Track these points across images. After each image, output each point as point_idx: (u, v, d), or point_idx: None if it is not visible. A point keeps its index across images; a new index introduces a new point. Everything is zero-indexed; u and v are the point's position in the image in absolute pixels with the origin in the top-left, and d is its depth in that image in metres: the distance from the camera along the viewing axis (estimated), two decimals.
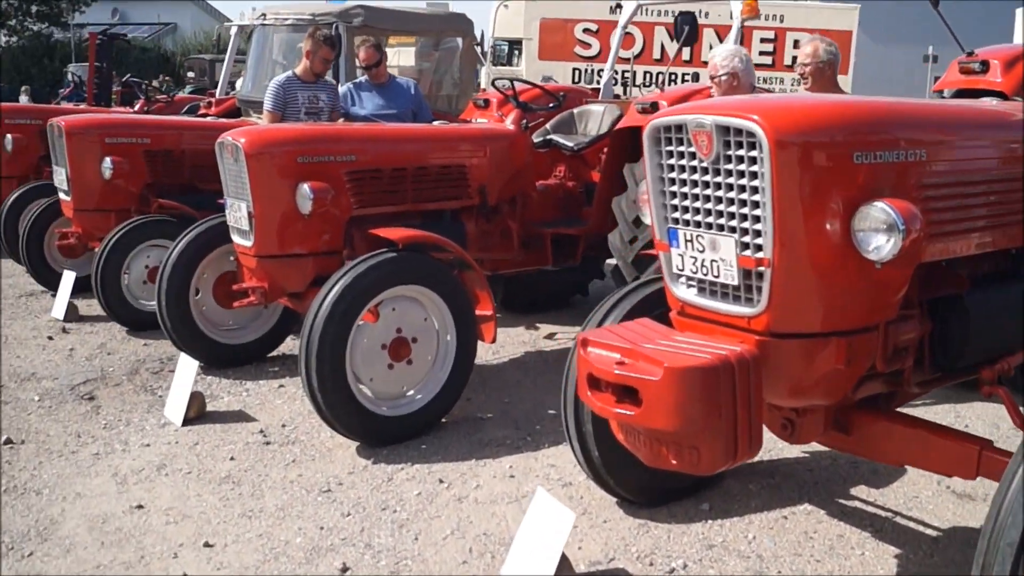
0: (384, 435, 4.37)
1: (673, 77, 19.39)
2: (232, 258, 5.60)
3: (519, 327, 6.55)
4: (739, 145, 2.53)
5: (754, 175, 2.50)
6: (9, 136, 8.59)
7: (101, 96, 10.74)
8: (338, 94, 6.67)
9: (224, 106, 9.25)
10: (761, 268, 2.52)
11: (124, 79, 11.06)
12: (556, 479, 4.02)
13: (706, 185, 2.63)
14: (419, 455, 4.29)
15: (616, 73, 8.34)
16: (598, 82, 19.45)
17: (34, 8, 41.46)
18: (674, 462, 2.54)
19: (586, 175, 6.29)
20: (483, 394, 5.11)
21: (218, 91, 10.58)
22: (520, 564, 3.05)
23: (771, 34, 20.51)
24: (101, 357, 5.80)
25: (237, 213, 4.85)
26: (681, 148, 2.70)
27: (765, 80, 21.08)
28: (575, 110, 6.47)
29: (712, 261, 2.64)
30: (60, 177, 6.79)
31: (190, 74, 30.48)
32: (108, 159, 6.52)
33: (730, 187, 2.57)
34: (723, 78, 4.73)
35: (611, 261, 6.61)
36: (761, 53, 20.34)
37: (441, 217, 5.33)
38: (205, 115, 9.17)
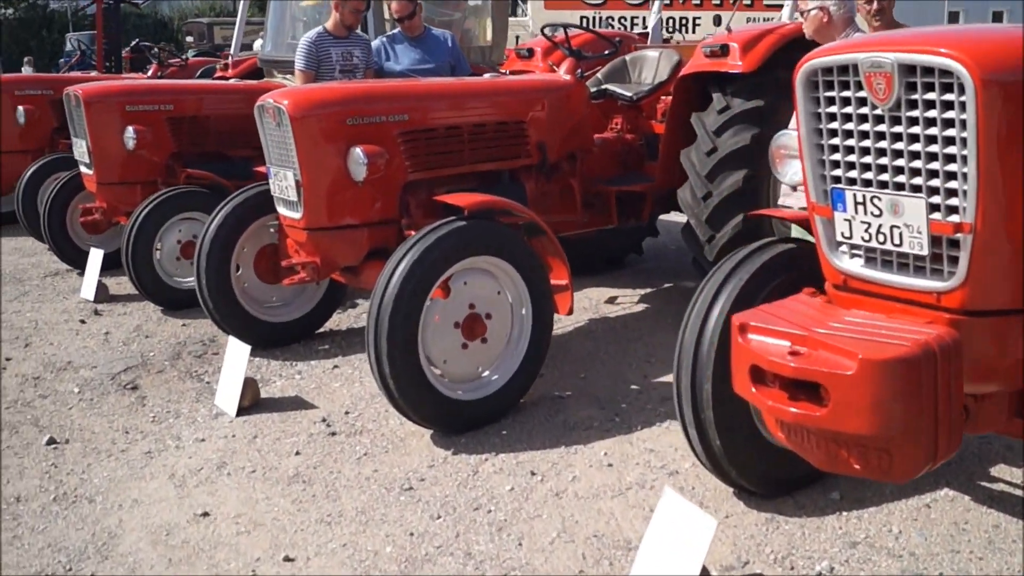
0: (462, 421, 4.00)
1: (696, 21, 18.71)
2: (272, 230, 5.22)
3: (577, 292, 6.15)
4: (928, 87, 2.10)
5: (949, 123, 2.08)
6: (20, 108, 8.14)
7: (111, 63, 10.25)
8: (371, 49, 6.22)
9: (242, 67, 8.79)
10: (959, 235, 2.11)
11: (133, 44, 10.56)
12: (659, 467, 3.64)
13: (882, 136, 2.21)
14: (502, 443, 3.92)
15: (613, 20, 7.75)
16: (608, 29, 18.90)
17: None
18: (857, 467, 2.15)
19: (644, 126, 5.83)
20: (555, 369, 4.73)
21: (232, 52, 10.10)
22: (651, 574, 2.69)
23: None
24: (139, 341, 5.43)
25: (283, 183, 4.42)
26: (847, 93, 2.27)
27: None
28: (627, 57, 6.00)
29: (893, 227, 2.22)
30: (80, 150, 6.38)
31: (188, 38, 29.84)
32: (131, 128, 6.10)
33: (915, 138, 2.15)
34: (811, 13, 4.19)
35: (666, 217, 6.23)
36: None
37: (499, 179, 4.91)
38: (223, 78, 8.70)
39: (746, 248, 3.30)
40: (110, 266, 6.45)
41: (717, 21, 18.32)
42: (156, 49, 9.22)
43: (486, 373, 4.12)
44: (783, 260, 3.19)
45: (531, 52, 6.16)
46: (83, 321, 5.84)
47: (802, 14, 4.27)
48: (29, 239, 8.14)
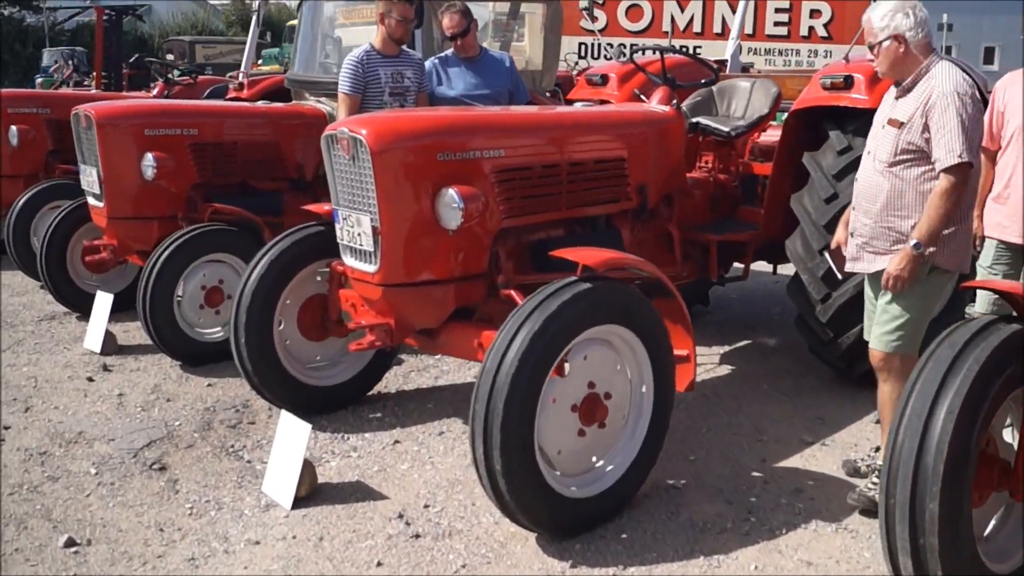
0: (575, 522, 3.31)
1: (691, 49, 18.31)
2: (320, 279, 4.51)
3: None
4: None
5: None
6: (13, 128, 7.36)
7: (109, 79, 9.50)
8: (424, 70, 5.55)
9: (260, 87, 8.06)
10: None
11: (133, 59, 9.82)
12: None
13: None
14: (626, 551, 3.23)
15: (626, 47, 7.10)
16: (606, 57, 18.37)
17: None
18: None
19: (737, 166, 5.21)
20: None
21: (242, 69, 9.38)
22: None
23: (786, 3, 19.47)
24: (160, 406, 4.67)
25: (354, 228, 3.70)
26: None
27: (780, 52, 20.10)
28: (714, 87, 5.37)
29: None
30: (89, 178, 5.63)
31: (169, 56, 29.10)
32: (150, 155, 5.38)
33: None
34: (885, 44, 3.35)
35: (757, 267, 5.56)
36: (775, 23, 19.38)
37: (595, 225, 4.24)
38: (238, 99, 7.98)
39: (964, 328, 2.68)
40: (114, 310, 5.67)
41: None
42: (163, 65, 8.50)
43: (600, 463, 3.43)
44: (1017, 344, 2.58)
45: (605, 79, 5.51)
46: (91, 379, 5.07)
47: (871, 49, 3.43)
48: (18, 275, 7.31)
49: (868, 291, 3.60)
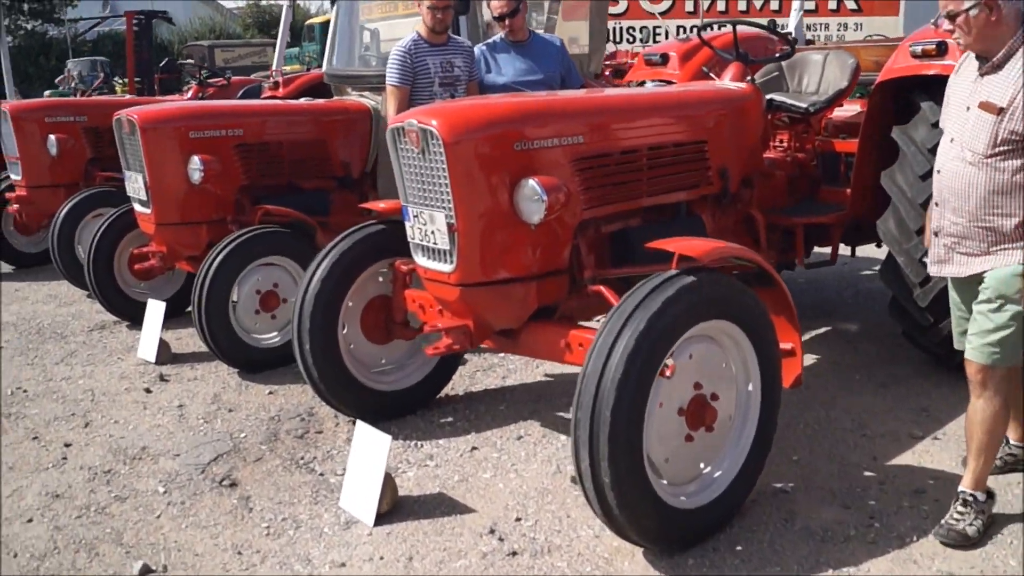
0: (686, 535, 3.06)
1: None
2: (382, 279, 4.29)
3: None
4: None
5: None
6: (52, 137, 7.21)
7: (142, 84, 9.33)
8: (474, 57, 5.31)
9: (295, 85, 7.86)
10: None
11: (162, 63, 9.65)
12: None
13: None
14: (743, 565, 2.98)
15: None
16: (627, 41, 17.98)
17: (26, 6, 39.86)
18: None
19: (813, 144, 4.92)
20: None
21: (273, 67, 9.18)
22: None
23: None
24: (221, 416, 4.48)
25: (427, 226, 3.47)
26: None
27: (808, 27, 19.54)
28: (783, 62, 5.08)
29: None
30: (135, 185, 5.44)
31: (189, 61, 29.10)
32: (196, 158, 5.17)
33: None
34: (972, 12, 2.87)
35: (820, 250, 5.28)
36: None
37: (677, 213, 3.98)
38: (273, 97, 7.79)
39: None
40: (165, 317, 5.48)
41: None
42: (198, 67, 8.31)
43: (708, 470, 3.18)
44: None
45: (665, 57, 5.24)
46: (148, 390, 4.88)
47: (951, 19, 2.94)
48: (63, 284, 7.19)
49: (955, 295, 3.23)
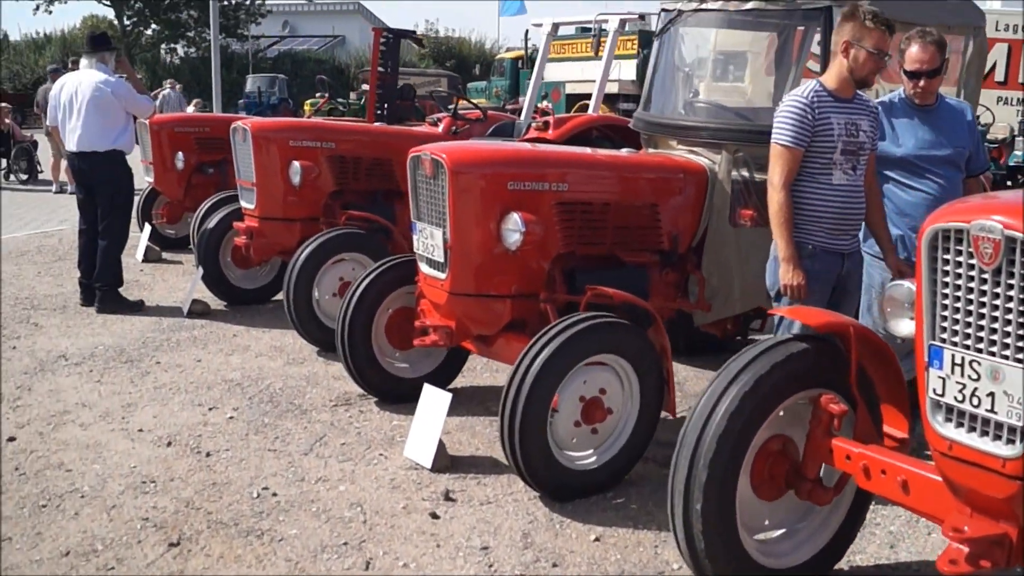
0: None
1: None
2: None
3: None
4: None
5: None
6: (296, 164, 6.32)
7: (381, 111, 8.43)
8: (879, 122, 4.05)
9: (567, 128, 6.76)
10: None
11: (400, 88, 8.78)
12: None
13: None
14: None
15: None
16: None
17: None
18: None
19: None
20: None
21: (525, 109, 8.14)
22: None
23: None
24: (543, 572, 3.27)
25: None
26: None
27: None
28: None
29: None
30: (429, 242, 4.32)
31: (364, 86, 29.06)
32: (516, 217, 4.05)
33: None
34: None
35: None
36: None
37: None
38: (542, 140, 6.69)
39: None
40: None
41: None
42: (455, 97, 7.37)
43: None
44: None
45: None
46: (435, 515, 3.72)
47: None
48: (289, 335, 6.23)
49: None
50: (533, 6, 79.93)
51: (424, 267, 4.37)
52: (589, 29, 24.28)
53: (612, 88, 22.49)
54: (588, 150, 5.00)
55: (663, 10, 5.10)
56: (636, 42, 21.67)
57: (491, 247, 4.10)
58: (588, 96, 20.51)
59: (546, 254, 4.24)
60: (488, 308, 4.22)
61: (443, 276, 4.18)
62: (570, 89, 22.56)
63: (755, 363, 2.87)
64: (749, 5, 4.72)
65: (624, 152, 4.88)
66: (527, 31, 26.11)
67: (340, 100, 15.75)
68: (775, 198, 3.71)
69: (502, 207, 4.07)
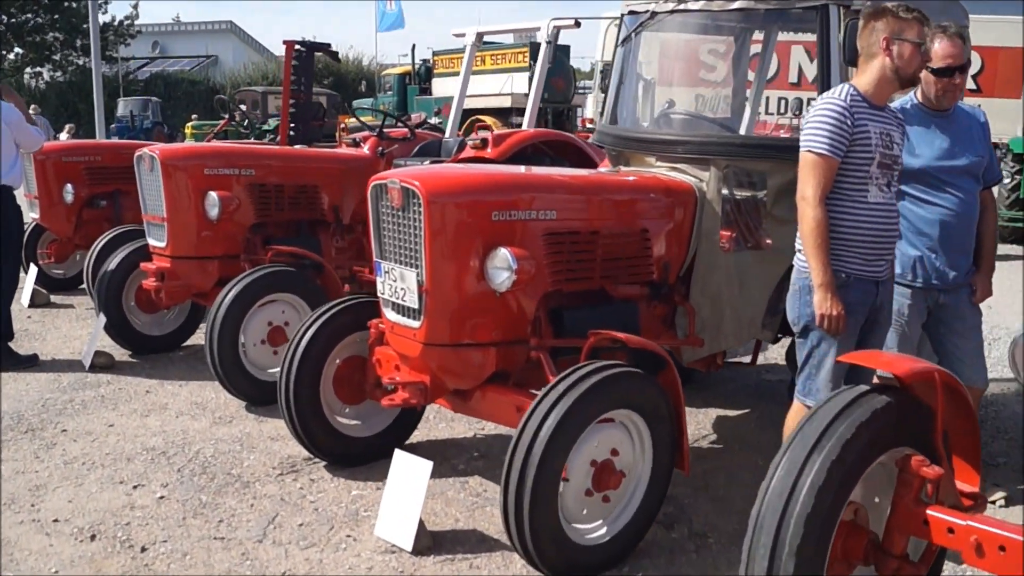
0: None
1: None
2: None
3: None
4: None
5: None
6: (213, 195, 5.56)
7: (296, 131, 7.66)
8: (905, 133, 3.66)
9: (507, 144, 6.24)
10: None
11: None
12: None
13: None
14: None
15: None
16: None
17: (79, 42, 39.12)
18: None
19: None
20: None
21: (450, 127, 7.57)
22: None
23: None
24: None
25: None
26: None
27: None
28: None
29: None
30: (398, 284, 3.70)
31: (242, 107, 27.97)
32: (508, 252, 3.47)
33: None
34: None
35: None
36: None
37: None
38: (481, 159, 6.14)
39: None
40: None
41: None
42: (400, 117, 6.73)
43: None
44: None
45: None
46: None
47: None
48: (209, 387, 5.47)
49: None
50: (411, 21, 79.27)
51: (391, 314, 3.76)
52: (493, 43, 23.72)
53: (505, 102, 22.22)
54: (558, 170, 4.49)
55: (630, 12, 4.61)
56: (527, 54, 21.46)
57: (473, 288, 3.54)
58: (480, 111, 20.19)
59: (534, 293, 3.67)
60: (468, 359, 3.64)
61: (416, 324, 3.59)
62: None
63: (836, 426, 2.41)
64: (736, 4, 4.27)
65: (594, 171, 4.40)
66: (413, 46, 25.59)
67: (242, 122, 14.72)
68: (810, 215, 3.26)
69: (486, 241, 3.52)
